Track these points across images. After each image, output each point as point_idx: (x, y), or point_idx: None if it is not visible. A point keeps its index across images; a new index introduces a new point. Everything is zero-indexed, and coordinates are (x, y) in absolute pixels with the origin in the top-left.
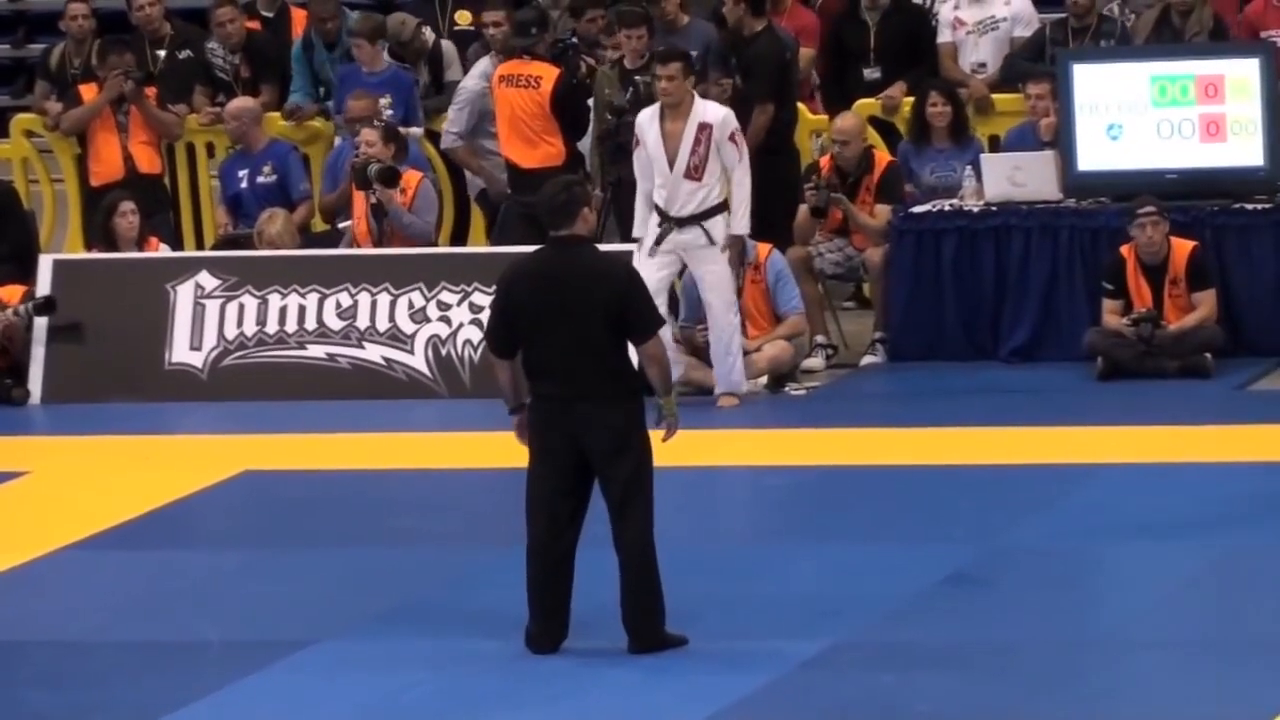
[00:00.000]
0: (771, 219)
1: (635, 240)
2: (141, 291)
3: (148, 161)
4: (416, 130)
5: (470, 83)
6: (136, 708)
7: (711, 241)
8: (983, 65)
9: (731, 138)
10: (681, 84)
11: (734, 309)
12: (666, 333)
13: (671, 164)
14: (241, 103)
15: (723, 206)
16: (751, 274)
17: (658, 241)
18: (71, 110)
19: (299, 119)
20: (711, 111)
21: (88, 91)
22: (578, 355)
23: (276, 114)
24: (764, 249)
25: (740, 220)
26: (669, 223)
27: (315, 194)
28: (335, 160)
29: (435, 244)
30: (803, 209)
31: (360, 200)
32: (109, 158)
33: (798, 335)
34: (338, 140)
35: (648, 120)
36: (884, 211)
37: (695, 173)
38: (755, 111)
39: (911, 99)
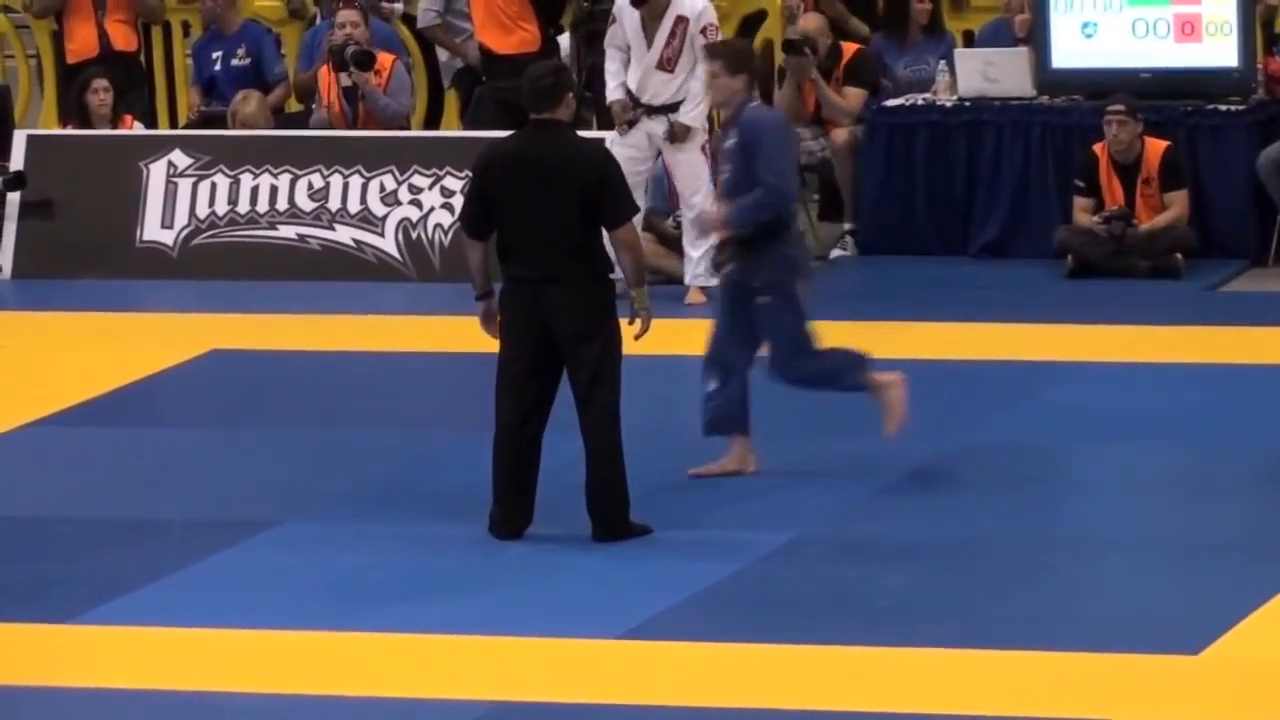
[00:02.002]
0: None
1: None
2: (114, 169)
3: (123, 39)
4: (397, 6)
5: None
6: (100, 583)
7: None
8: None
9: (704, 31)
10: None
11: (709, 200)
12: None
13: (649, 48)
14: None
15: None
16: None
17: (630, 124)
18: None
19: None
20: (688, 4)
21: None
22: (549, 237)
23: None
24: None
25: (693, 111)
26: (640, 108)
27: (291, 74)
28: (313, 39)
29: (409, 127)
30: (779, 93)
31: (332, 81)
32: (84, 35)
33: None
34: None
35: (626, 2)
36: (854, 93)
37: (668, 64)
38: None
39: None
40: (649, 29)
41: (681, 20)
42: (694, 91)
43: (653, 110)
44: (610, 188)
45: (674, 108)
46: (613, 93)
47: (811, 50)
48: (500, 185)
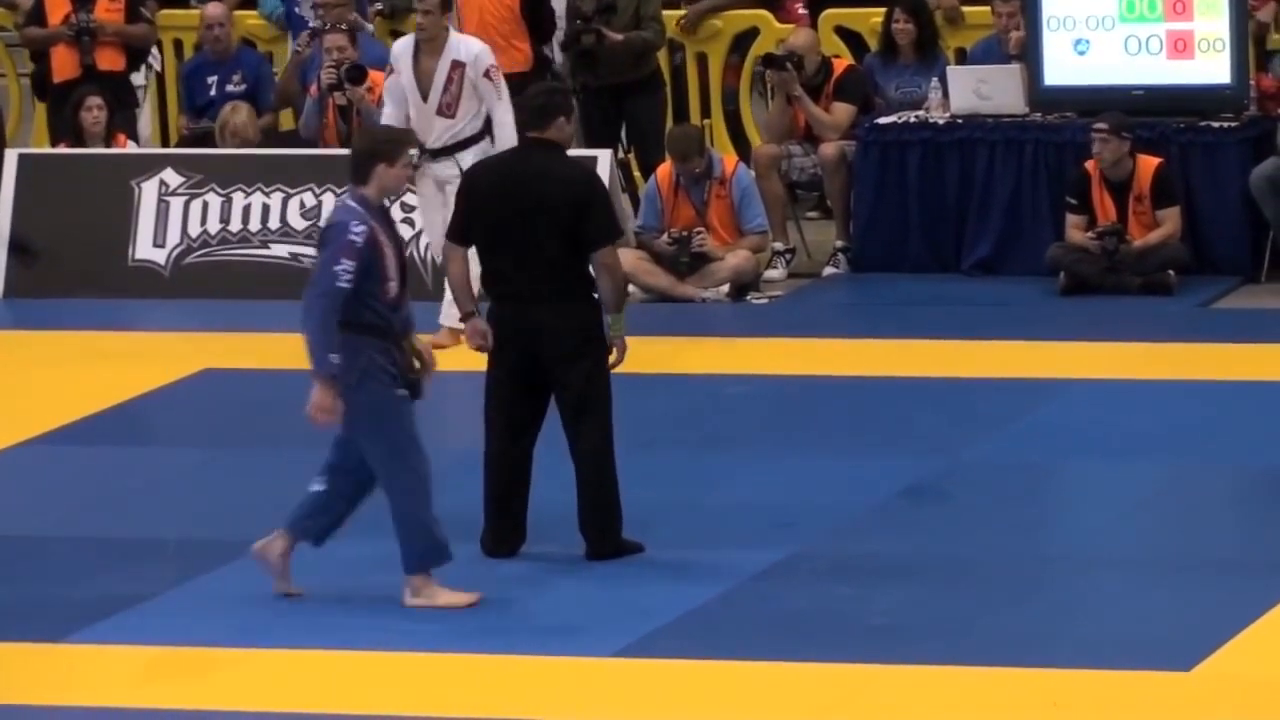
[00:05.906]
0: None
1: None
2: (105, 187)
3: (109, 60)
4: (369, 26)
5: None
6: (92, 602)
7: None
8: None
9: (487, 74)
10: (438, 19)
11: None
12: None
13: (425, 97)
14: (220, 10)
15: (476, 139)
16: (717, 188)
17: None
18: (31, 29)
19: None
20: (465, 49)
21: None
22: (534, 258)
23: (242, 12)
24: (730, 162)
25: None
26: (424, 154)
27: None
28: (311, 64)
29: None
30: (770, 109)
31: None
32: (66, 56)
33: (759, 252)
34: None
35: (402, 50)
36: (842, 109)
37: (448, 110)
38: None
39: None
40: (424, 78)
41: (458, 65)
42: (503, 139)
43: (435, 154)
44: (593, 208)
45: (457, 147)
46: None
47: (795, 65)
48: (485, 201)
